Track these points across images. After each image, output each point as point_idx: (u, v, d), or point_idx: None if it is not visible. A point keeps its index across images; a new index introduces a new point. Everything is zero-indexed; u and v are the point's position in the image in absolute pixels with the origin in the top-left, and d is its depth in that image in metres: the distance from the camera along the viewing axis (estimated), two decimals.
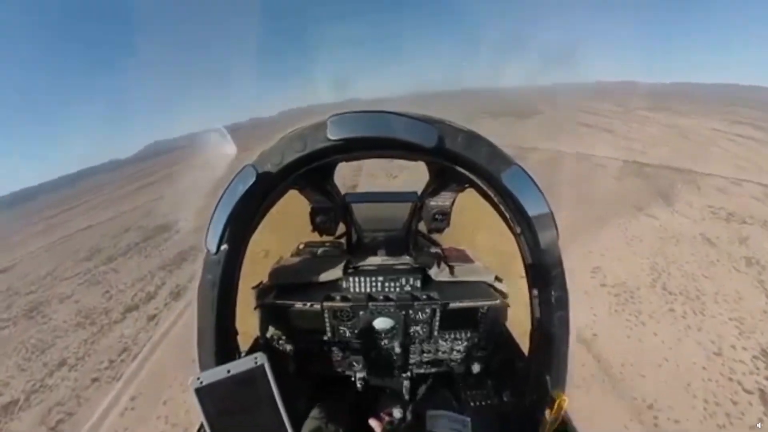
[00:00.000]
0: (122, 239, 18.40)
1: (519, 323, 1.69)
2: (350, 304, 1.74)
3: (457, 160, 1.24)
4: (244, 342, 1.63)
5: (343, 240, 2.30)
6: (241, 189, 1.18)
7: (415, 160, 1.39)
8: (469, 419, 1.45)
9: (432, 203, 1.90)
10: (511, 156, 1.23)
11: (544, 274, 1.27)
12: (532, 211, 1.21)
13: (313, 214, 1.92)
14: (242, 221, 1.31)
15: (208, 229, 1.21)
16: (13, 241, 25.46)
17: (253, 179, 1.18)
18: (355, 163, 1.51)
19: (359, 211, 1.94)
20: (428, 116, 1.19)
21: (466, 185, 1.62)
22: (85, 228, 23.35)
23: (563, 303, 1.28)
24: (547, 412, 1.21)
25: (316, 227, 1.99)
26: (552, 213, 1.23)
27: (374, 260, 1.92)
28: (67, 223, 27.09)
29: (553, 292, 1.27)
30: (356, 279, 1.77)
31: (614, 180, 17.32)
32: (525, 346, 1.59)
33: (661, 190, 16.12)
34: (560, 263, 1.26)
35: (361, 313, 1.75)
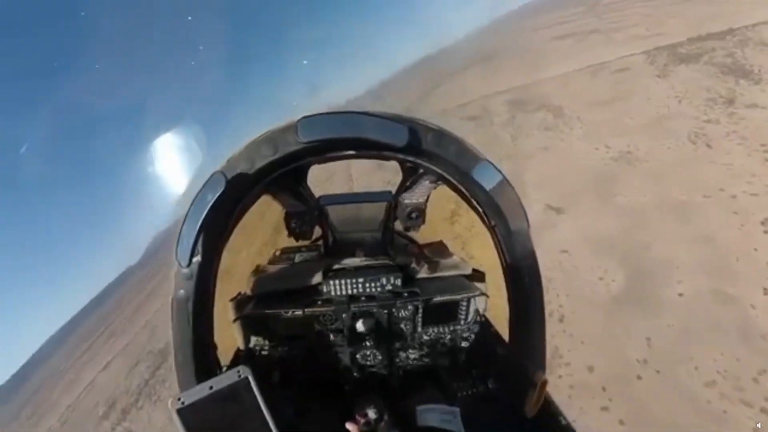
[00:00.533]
0: (134, 377, 15.73)
1: (498, 312, 1.59)
2: (332, 307, 1.65)
3: (428, 157, 1.22)
4: (224, 357, 1.49)
5: (320, 243, 2.11)
6: (211, 197, 1.08)
7: (387, 159, 1.31)
8: (458, 409, 1.40)
9: (406, 201, 1.80)
10: (480, 151, 1.20)
11: (519, 264, 1.27)
12: (503, 204, 1.21)
13: (288, 218, 1.81)
14: (214, 231, 1.21)
15: (177, 241, 1.10)
16: (53, 397, 23.97)
17: (223, 187, 1.09)
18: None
19: (335, 213, 1.83)
20: (398, 115, 1.15)
21: (439, 182, 1.54)
22: (105, 367, 20.99)
23: (537, 290, 1.28)
24: (531, 393, 1.22)
25: (292, 232, 1.85)
26: (522, 204, 1.22)
27: (353, 262, 1.79)
28: (92, 361, 25.20)
29: (527, 281, 1.27)
30: (337, 282, 1.64)
31: (657, 78, 12.95)
32: (505, 333, 1.51)
33: (727, 66, 11.74)
34: (533, 252, 1.26)
35: (344, 315, 1.66)
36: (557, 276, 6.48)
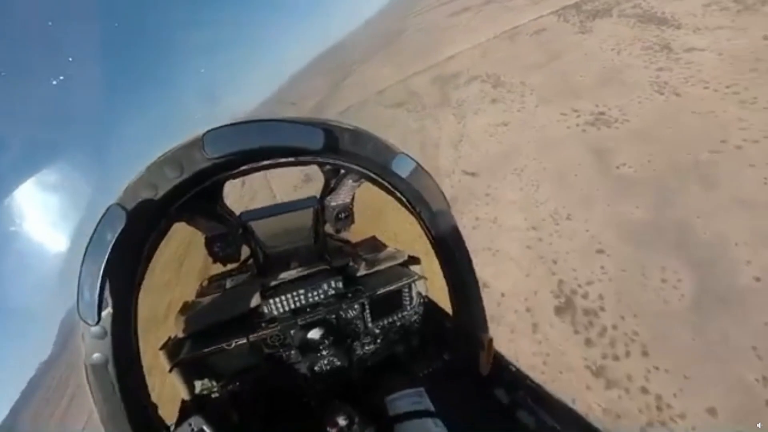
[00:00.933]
0: None
1: (439, 289, 1.63)
2: (278, 326, 1.56)
3: (346, 157, 1.21)
4: (169, 414, 1.30)
5: (251, 263, 1.99)
6: (111, 236, 0.90)
7: (306, 164, 1.28)
8: (422, 388, 1.45)
9: (333, 203, 1.76)
10: (396, 144, 1.20)
11: (446, 242, 1.33)
12: (423, 192, 1.26)
13: (209, 243, 1.64)
14: (121, 275, 1.04)
15: (77, 295, 0.91)
16: None
17: (124, 221, 0.92)
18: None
19: (260, 228, 1.70)
20: (311, 118, 1.10)
21: (361, 179, 1.52)
22: None
23: (467, 261, 1.35)
24: (482, 354, 1.35)
25: (216, 257, 1.69)
26: (440, 187, 1.27)
27: (290, 274, 1.75)
28: None
29: (456, 255, 1.34)
30: (277, 299, 1.57)
31: (581, 35, 12.69)
32: (449, 307, 1.61)
33: (641, 16, 11.82)
34: (456, 229, 1.33)
35: (292, 332, 1.59)
36: (608, 289, 5.16)
